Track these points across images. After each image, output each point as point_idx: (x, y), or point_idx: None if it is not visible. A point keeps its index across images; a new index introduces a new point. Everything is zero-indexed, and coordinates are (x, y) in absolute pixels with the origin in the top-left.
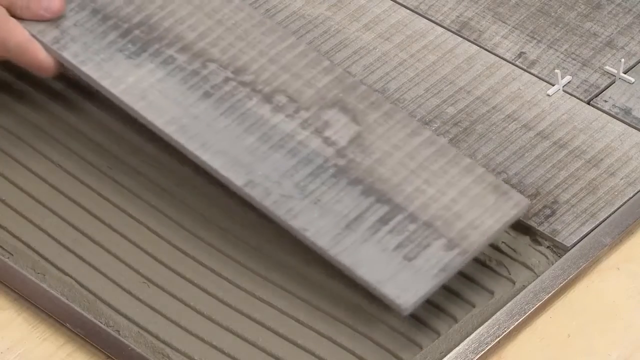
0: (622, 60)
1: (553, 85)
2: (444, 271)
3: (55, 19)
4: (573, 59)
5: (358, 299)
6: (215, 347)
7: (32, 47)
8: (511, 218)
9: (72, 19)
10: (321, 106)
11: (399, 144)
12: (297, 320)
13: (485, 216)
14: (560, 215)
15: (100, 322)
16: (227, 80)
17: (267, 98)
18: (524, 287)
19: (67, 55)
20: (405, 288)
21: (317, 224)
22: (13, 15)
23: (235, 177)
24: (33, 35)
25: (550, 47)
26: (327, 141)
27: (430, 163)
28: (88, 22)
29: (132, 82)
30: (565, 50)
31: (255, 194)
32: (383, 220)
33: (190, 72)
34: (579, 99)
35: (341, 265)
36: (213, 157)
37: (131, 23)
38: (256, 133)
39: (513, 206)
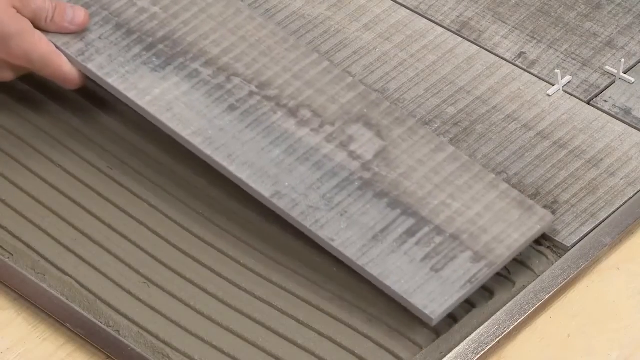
0: (622, 60)
1: (553, 85)
2: (471, 283)
3: (79, 32)
4: (573, 59)
5: (358, 299)
6: (215, 347)
7: (57, 59)
8: (536, 232)
9: (97, 32)
10: (345, 121)
11: (423, 159)
12: (297, 320)
13: (510, 230)
14: (560, 215)
15: (100, 322)
16: (251, 94)
17: (292, 112)
18: (524, 287)
19: (92, 67)
20: (433, 298)
21: (344, 235)
22: (38, 28)
23: (263, 189)
24: (58, 47)
25: (550, 47)
26: (353, 155)
27: (454, 178)
28: (112, 35)
29: (157, 94)
30: (565, 50)
31: (283, 205)
32: (409, 233)
33: (215, 86)
34: (579, 99)
35: (369, 275)
36: (240, 169)
37: (155, 37)
38: (282, 146)
39: (538, 221)
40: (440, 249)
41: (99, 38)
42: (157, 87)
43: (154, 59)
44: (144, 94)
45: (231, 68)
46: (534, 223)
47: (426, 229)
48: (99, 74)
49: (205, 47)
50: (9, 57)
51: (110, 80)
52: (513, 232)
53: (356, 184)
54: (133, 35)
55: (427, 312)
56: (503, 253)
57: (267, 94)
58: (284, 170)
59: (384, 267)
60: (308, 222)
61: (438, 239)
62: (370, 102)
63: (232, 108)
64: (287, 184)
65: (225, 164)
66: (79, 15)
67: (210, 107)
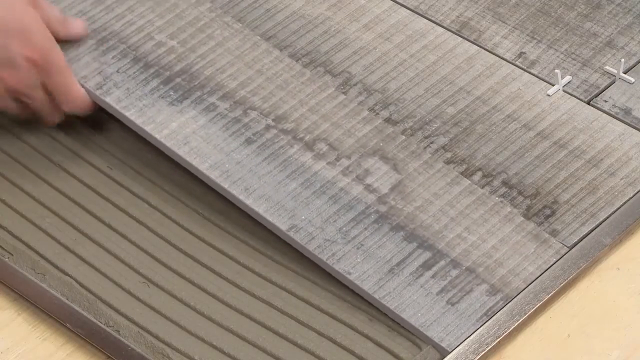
0: (622, 60)
1: (553, 85)
2: (487, 316)
3: (98, 66)
4: (573, 59)
5: (358, 299)
6: (215, 347)
7: (69, 73)
8: (551, 265)
9: (115, 66)
10: (362, 154)
11: (439, 193)
12: (297, 320)
13: (526, 263)
14: (560, 215)
15: (100, 322)
16: (268, 127)
17: (308, 146)
18: (524, 287)
19: (110, 100)
20: (450, 331)
21: (360, 268)
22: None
23: (279, 222)
24: (81, 85)
25: (550, 47)
26: (369, 188)
27: (470, 211)
28: (130, 69)
29: (175, 128)
30: (565, 50)
31: (299, 239)
32: (426, 266)
33: (232, 119)
34: (579, 99)
35: (385, 308)
36: (257, 202)
37: (172, 71)
38: (298, 179)
39: (553, 254)
40: (456, 282)
41: (117, 71)
42: (174, 121)
43: (171, 93)
44: (161, 128)
45: (248, 102)
46: (549, 256)
47: (442, 263)
48: (117, 107)
49: (222, 81)
50: (32, 52)
51: (127, 114)
52: (529, 266)
53: (372, 217)
54: (151, 69)
55: (443, 345)
56: (519, 286)
57: (283, 128)
58: (301, 204)
59: (400, 300)
60: (324, 256)
61: (454, 272)
62: (386, 136)
63: (249, 141)
64: (303, 217)
65: (242, 197)
66: (78, 24)
67: (228, 140)
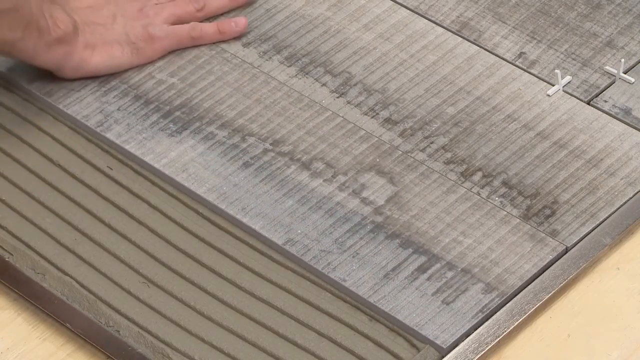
0: (622, 60)
1: (553, 85)
2: (483, 313)
3: (99, 105)
4: (573, 59)
5: (358, 299)
6: (215, 347)
7: None
8: (547, 263)
9: (116, 105)
10: (358, 170)
11: (435, 201)
12: (297, 320)
13: (521, 262)
14: (560, 215)
15: (100, 322)
16: (265, 151)
17: (306, 165)
18: (524, 287)
19: (111, 136)
20: (445, 329)
21: (355, 275)
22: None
23: (275, 237)
24: (78, 121)
25: (550, 47)
26: (365, 201)
27: (466, 217)
28: (131, 106)
29: (174, 157)
30: (565, 50)
31: (295, 251)
32: (421, 269)
33: (230, 146)
34: (579, 99)
35: (380, 311)
36: (253, 220)
37: (172, 105)
38: (295, 196)
39: (550, 252)
40: (452, 283)
41: (118, 109)
42: (173, 151)
43: (170, 125)
44: (160, 157)
45: (246, 129)
46: (545, 254)
47: (437, 265)
48: (117, 141)
49: (221, 112)
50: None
51: (127, 147)
52: (525, 264)
53: (368, 227)
54: (151, 105)
55: (438, 342)
56: (515, 283)
57: (281, 150)
58: (297, 219)
59: (396, 302)
60: (320, 266)
61: (449, 274)
62: (383, 152)
63: (246, 165)
64: (299, 231)
65: (239, 216)
66: (242, 20)
67: (225, 165)
